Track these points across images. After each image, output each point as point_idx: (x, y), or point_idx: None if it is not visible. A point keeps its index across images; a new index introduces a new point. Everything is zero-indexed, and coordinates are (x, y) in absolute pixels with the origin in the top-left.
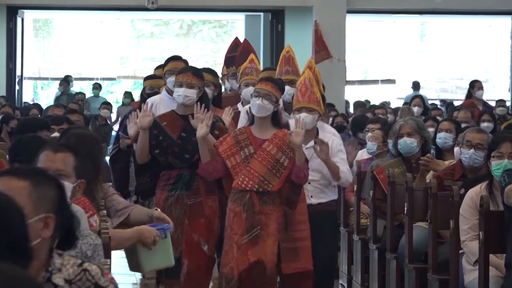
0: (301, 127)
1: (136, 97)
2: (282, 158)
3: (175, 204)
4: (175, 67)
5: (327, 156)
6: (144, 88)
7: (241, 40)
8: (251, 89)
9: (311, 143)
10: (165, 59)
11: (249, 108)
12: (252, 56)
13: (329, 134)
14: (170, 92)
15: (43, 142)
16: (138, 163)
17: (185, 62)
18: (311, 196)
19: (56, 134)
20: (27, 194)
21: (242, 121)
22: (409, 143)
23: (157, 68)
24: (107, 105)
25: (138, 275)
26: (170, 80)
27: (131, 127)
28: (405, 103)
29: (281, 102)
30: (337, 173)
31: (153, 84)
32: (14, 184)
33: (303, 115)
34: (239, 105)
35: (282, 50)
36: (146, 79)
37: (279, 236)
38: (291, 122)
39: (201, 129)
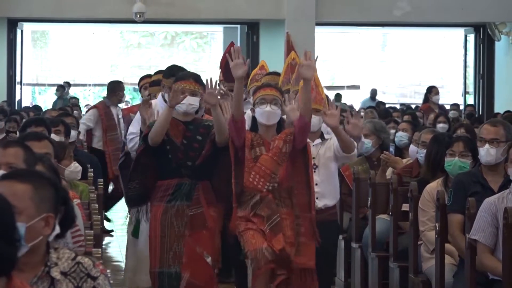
0: (309, 58)
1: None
2: (284, 147)
3: (175, 216)
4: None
5: (337, 123)
6: (149, 94)
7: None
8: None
9: (317, 140)
10: (151, 66)
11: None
12: (262, 62)
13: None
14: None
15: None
16: (150, 144)
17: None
18: (317, 198)
19: (53, 135)
20: (29, 197)
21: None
22: (365, 143)
23: (157, 73)
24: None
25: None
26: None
27: (149, 117)
28: (361, 108)
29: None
30: (349, 142)
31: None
32: (17, 188)
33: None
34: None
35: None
36: (151, 84)
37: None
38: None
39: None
